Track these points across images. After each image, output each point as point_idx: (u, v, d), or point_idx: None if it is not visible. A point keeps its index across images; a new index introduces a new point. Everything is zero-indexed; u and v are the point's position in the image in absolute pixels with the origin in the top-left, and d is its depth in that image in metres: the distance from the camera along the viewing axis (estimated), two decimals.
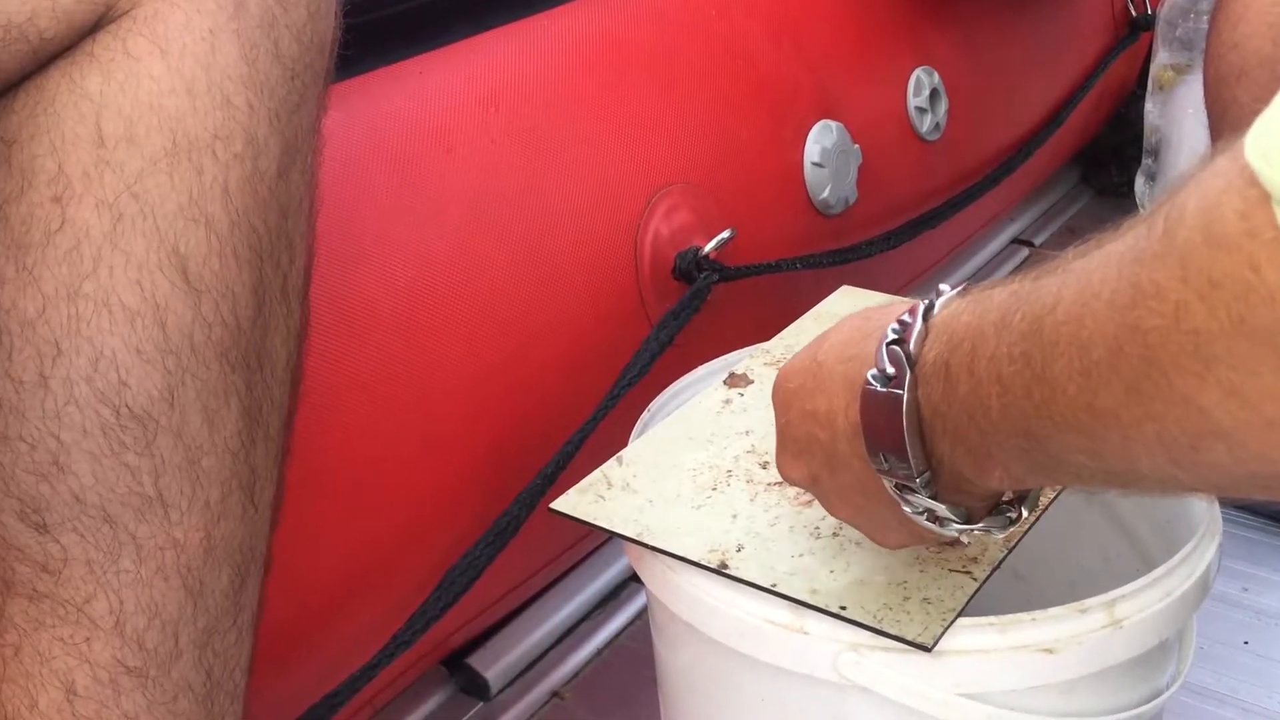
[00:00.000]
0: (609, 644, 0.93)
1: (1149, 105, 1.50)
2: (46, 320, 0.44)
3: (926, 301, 0.45)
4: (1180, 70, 1.47)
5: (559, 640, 0.92)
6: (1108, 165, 1.64)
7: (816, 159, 1.00)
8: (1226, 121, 0.95)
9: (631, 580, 0.96)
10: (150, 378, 0.45)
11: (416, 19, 0.80)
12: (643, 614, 0.92)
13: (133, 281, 0.44)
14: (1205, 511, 0.63)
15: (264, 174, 0.47)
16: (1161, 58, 1.49)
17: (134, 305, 0.44)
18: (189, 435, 0.46)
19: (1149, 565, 0.60)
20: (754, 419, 0.72)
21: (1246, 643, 0.90)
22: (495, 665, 0.88)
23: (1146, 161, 1.53)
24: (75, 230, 0.43)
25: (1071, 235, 1.55)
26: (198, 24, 0.44)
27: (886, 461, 0.44)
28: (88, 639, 0.47)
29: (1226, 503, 1.00)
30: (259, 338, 0.48)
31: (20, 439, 0.44)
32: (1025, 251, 1.51)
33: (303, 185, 0.50)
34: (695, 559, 0.61)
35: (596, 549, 0.95)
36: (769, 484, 0.66)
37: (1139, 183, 1.55)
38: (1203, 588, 0.61)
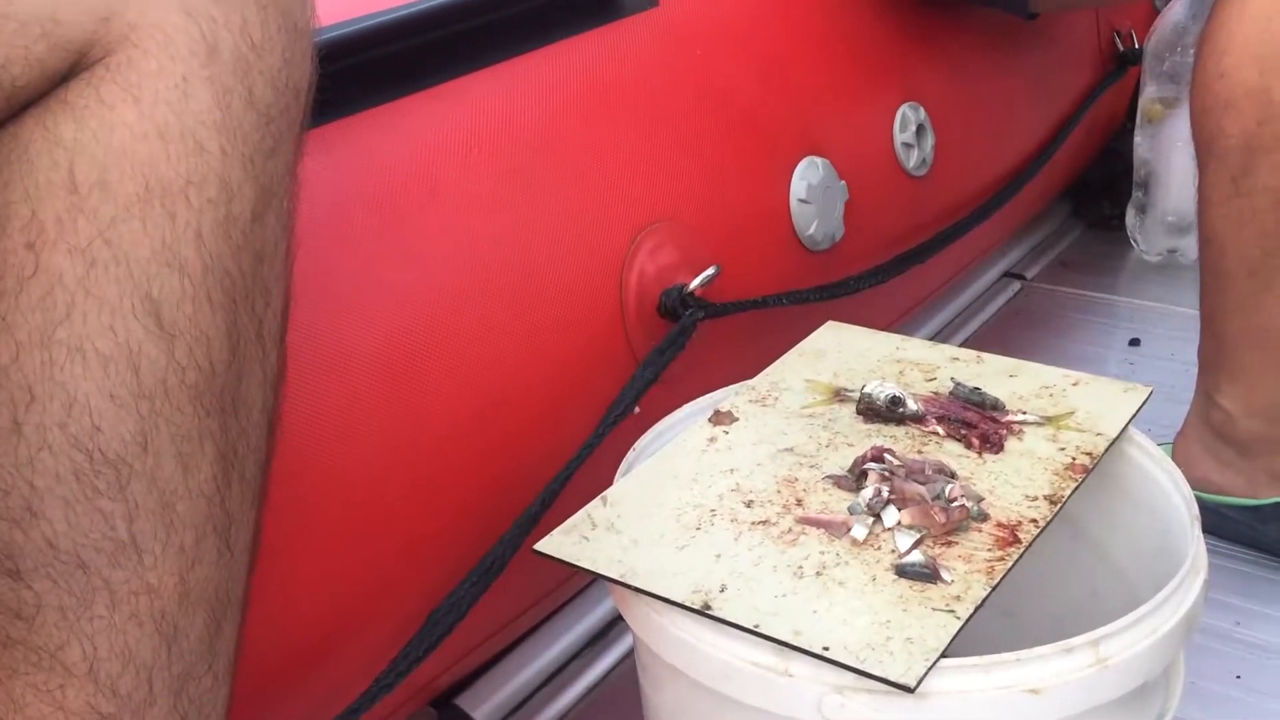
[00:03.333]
0: (597, 684, 0.92)
1: (1138, 139, 1.51)
2: (20, 366, 0.44)
3: None
4: (1168, 104, 1.48)
5: (547, 680, 0.91)
6: (1099, 198, 1.65)
7: (802, 195, 1.00)
8: (1213, 152, 0.95)
9: (619, 619, 0.95)
10: (124, 423, 0.45)
11: (399, 63, 0.80)
12: (631, 653, 0.92)
13: (106, 327, 0.44)
14: (1191, 547, 0.63)
15: (238, 218, 0.47)
16: (1149, 91, 1.50)
17: (107, 351, 0.44)
18: (163, 480, 0.46)
19: (1136, 600, 0.60)
20: (738, 457, 0.72)
21: (1239, 677, 0.90)
22: (484, 706, 0.88)
23: (1136, 194, 1.54)
24: (49, 276, 0.43)
25: (1064, 268, 1.56)
26: (170, 71, 0.44)
27: None
28: (61, 686, 0.47)
29: (1219, 535, 1.00)
30: (234, 382, 0.48)
31: None
32: (1017, 285, 1.52)
33: (278, 229, 0.50)
34: (679, 600, 0.60)
35: (585, 588, 0.94)
36: (753, 523, 0.66)
37: (1130, 215, 1.56)
38: (1189, 624, 0.60)
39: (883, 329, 0.86)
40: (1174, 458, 1.03)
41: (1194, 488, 0.99)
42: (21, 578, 0.45)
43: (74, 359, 0.44)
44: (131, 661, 0.47)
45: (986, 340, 1.40)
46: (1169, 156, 1.48)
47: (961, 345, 1.37)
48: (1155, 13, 1.49)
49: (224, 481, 0.48)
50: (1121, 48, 1.52)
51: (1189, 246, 1.47)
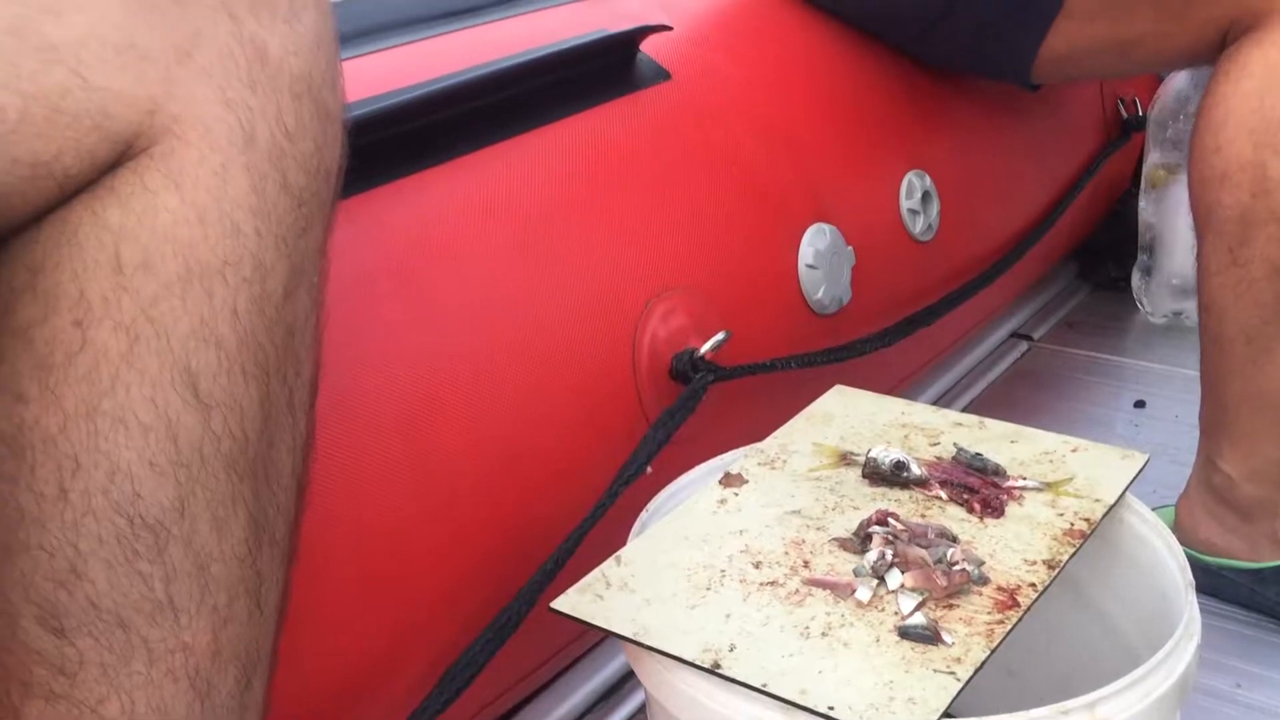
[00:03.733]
0: None
1: (1142, 203, 1.54)
2: (67, 436, 0.46)
3: None
4: (1171, 169, 1.51)
5: None
6: (1105, 261, 1.68)
7: (810, 261, 1.03)
8: (1211, 223, 0.98)
9: (631, 675, 0.97)
10: (162, 489, 0.47)
11: (420, 138, 0.83)
12: (642, 709, 0.93)
13: (147, 399, 0.47)
14: (1185, 611, 0.65)
15: (271, 295, 0.50)
16: (1153, 158, 1.53)
17: (148, 421, 0.47)
18: (198, 543, 0.49)
19: (1135, 662, 0.61)
20: (748, 519, 0.74)
21: None
22: None
23: (1142, 257, 1.56)
24: (95, 351, 0.46)
25: (1070, 329, 1.58)
26: (210, 159, 0.47)
27: None
28: None
29: (1220, 598, 1.01)
30: (265, 449, 0.51)
31: (40, 548, 0.47)
32: (1024, 345, 1.54)
33: (309, 303, 0.52)
34: (689, 658, 0.62)
35: (597, 644, 0.96)
36: (761, 584, 0.68)
37: (1135, 278, 1.58)
38: (1183, 687, 0.62)
39: (890, 390, 0.89)
40: (1177, 520, 1.05)
41: (1196, 550, 1.02)
42: (65, 635, 0.47)
43: (117, 429, 0.46)
44: (167, 716, 0.49)
45: (993, 401, 1.42)
46: (1173, 221, 1.51)
47: (969, 405, 1.39)
48: (1158, 81, 1.52)
49: (255, 544, 0.51)
50: (1125, 114, 1.55)
51: (1193, 309, 1.49)
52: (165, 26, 0.46)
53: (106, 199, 0.46)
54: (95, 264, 0.46)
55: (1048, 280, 1.64)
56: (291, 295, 0.51)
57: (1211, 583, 1.02)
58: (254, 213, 0.48)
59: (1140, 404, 1.38)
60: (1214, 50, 1.00)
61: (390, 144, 0.81)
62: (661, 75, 1.01)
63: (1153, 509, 0.87)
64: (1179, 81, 1.46)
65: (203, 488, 0.48)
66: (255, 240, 0.48)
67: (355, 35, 0.97)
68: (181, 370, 0.47)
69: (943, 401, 1.39)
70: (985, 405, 1.40)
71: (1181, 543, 1.02)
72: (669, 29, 1.03)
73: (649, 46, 1.02)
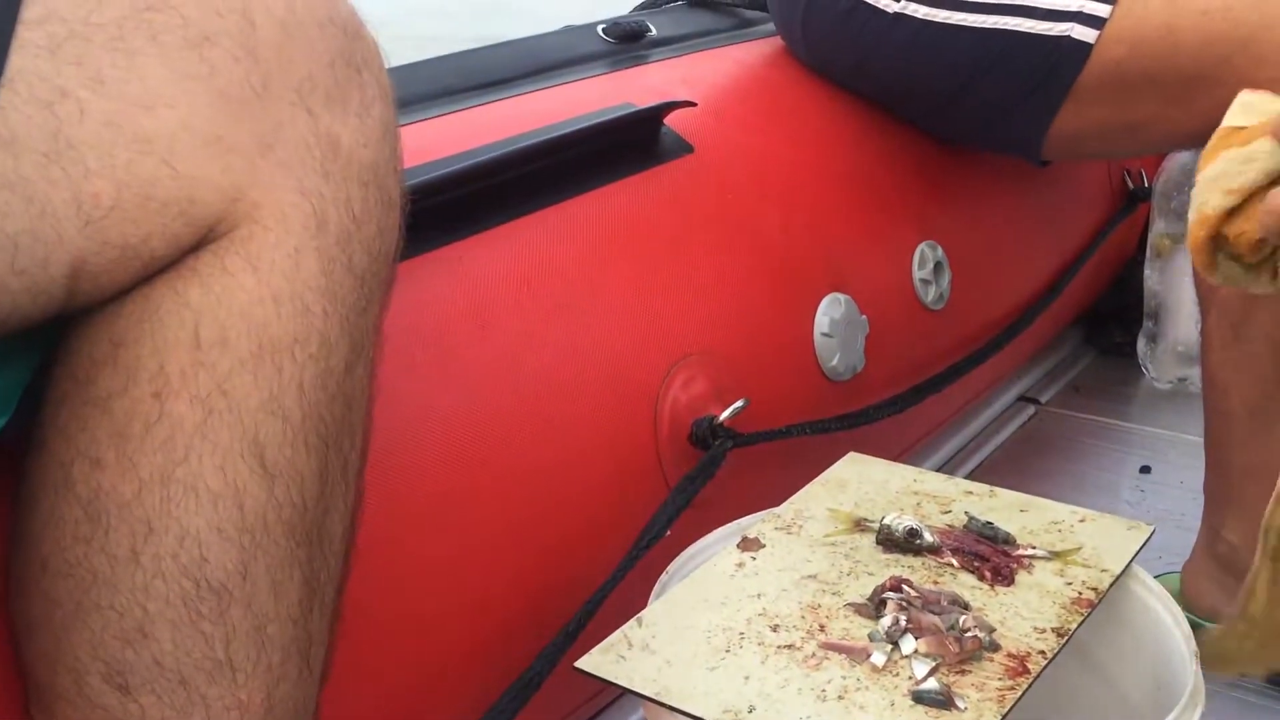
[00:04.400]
0: None
1: (1148, 271, 1.57)
2: (141, 502, 0.49)
3: None
4: (1177, 239, 1.55)
5: None
6: (1110, 327, 1.71)
7: (826, 330, 1.06)
8: (1214, 301, 1.01)
9: None
10: (228, 554, 0.50)
11: (455, 209, 0.87)
12: None
13: (218, 468, 0.50)
14: (1190, 680, 0.67)
15: (334, 371, 0.53)
16: (1159, 227, 1.56)
17: (217, 489, 0.50)
18: (258, 605, 0.51)
19: None
20: (765, 582, 0.77)
21: None
22: None
23: (1147, 324, 1.59)
24: (171, 422, 0.49)
25: (1076, 394, 1.61)
26: (285, 243, 0.51)
27: None
28: None
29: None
30: (321, 516, 0.54)
31: (111, 608, 0.49)
32: (1031, 409, 1.57)
33: (365, 378, 0.56)
34: (710, 719, 0.65)
35: (613, 702, 0.98)
36: (779, 646, 0.70)
37: (1141, 344, 1.61)
38: None
39: (902, 453, 0.92)
40: (1182, 586, 1.08)
41: (1201, 616, 1.04)
42: (130, 693, 0.50)
43: (189, 496, 0.49)
44: None
45: (1001, 464, 1.44)
46: (1178, 289, 1.54)
47: (977, 467, 1.42)
48: (1164, 154, 1.56)
49: (308, 606, 0.54)
50: (1131, 185, 1.59)
51: (1198, 376, 1.52)
52: (249, 121, 0.50)
53: (189, 279, 0.50)
54: (175, 340, 0.49)
55: (1054, 345, 1.67)
56: (351, 370, 0.54)
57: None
58: (322, 293, 0.52)
59: (1146, 469, 1.40)
60: None
61: (427, 215, 0.85)
62: (684, 149, 1.05)
63: (1158, 575, 0.90)
64: (1184, 154, 1.50)
65: (264, 553, 0.51)
66: (322, 319, 0.52)
67: None
68: (250, 442, 0.50)
69: (951, 463, 1.42)
70: (993, 468, 1.43)
71: (1186, 609, 1.05)
72: (693, 104, 1.07)
73: (673, 121, 1.06)
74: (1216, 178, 0.68)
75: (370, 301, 0.55)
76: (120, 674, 0.50)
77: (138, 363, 0.49)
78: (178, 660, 0.50)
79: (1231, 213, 0.67)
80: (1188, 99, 1.05)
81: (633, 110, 1.02)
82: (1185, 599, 1.07)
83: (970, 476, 1.36)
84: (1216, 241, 0.69)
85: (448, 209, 0.87)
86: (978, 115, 1.17)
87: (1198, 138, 1.09)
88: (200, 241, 0.50)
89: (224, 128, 0.49)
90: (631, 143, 1.02)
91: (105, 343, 0.50)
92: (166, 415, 0.49)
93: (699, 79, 1.17)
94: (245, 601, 0.51)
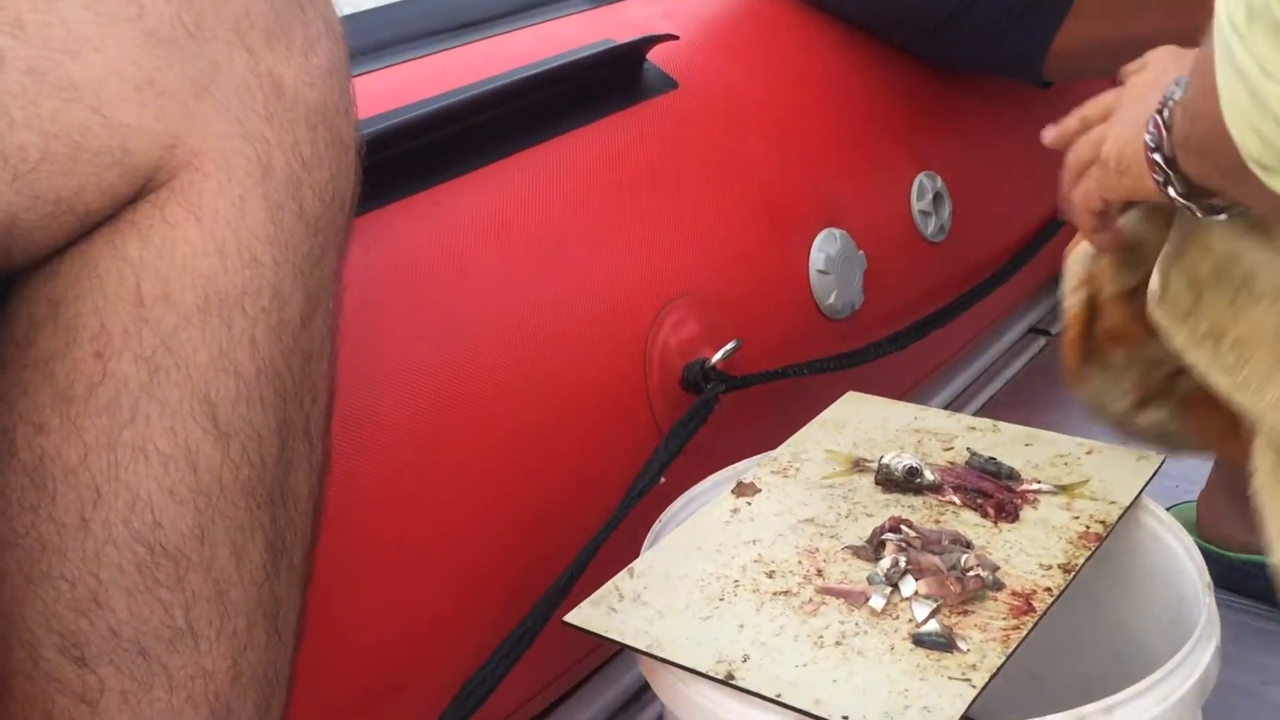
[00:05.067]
0: None
1: None
2: (88, 467, 0.47)
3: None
4: None
5: None
6: None
7: (821, 266, 1.03)
8: None
9: (647, 688, 0.97)
10: (182, 518, 0.48)
11: (430, 153, 0.84)
12: None
13: (167, 429, 0.48)
14: (1202, 614, 0.65)
15: (288, 324, 0.50)
16: None
17: (168, 451, 0.48)
18: (218, 570, 0.49)
19: (1153, 665, 0.62)
20: (761, 528, 0.74)
21: None
22: None
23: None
24: (115, 383, 0.47)
25: None
26: (228, 191, 0.48)
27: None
28: None
29: (1244, 593, 1.01)
30: (283, 475, 0.51)
31: (61, 578, 0.47)
32: (1042, 340, 1.54)
33: (324, 330, 0.53)
34: (703, 670, 0.63)
35: (613, 656, 0.96)
36: (774, 593, 0.68)
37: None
38: (1202, 689, 0.62)
39: (905, 392, 0.89)
40: (1198, 515, 1.05)
41: (1218, 545, 1.01)
42: (87, 664, 0.48)
43: (138, 459, 0.47)
44: None
45: (1011, 397, 1.41)
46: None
47: (986, 403, 1.39)
48: None
49: (273, 569, 0.52)
50: None
51: None
52: (183, 62, 0.47)
53: (127, 232, 0.47)
54: (116, 296, 0.47)
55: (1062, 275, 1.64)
56: (308, 322, 0.51)
57: (1234, 579, 1.01)
58: (271, 242, 0.49)
59: None
60: None
61: (401, 160, 0.82)
62: (669, 84, 1.02)
63: (1174, 505, 0.87)
64: None
65: (222, 515, 0.49)
66: (273, 270, 0.49)
67: (363, 51, 0.98)
68: (201, 400, 0.48)
69: (960, 400, 1.39)
70: (1002, 402, 1.40)
71: (1203, 538, 1.02)
72: (675, 38, 1.04)
73: (656, 56, 1.02)
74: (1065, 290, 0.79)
75: (326, 250, 0.52)
76: (76, 645, 0.48)
77: (78, 322, 0.47)
78: (135, 629, 0.48)
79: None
80: (1191, 11, 1.01)
81: (612, 45, 0.98)
82: (1201, 528, 1.04)
83: (979, 412, 1.33)
84: (1087, 347, 0.78)
85: (422, 154, 0.84)
86: (976, 35, 1.13)
87: None
88: (138, 193, 0.47)
89: (155, 71, 0.47)
90: (613, 80, 0.99)
91: (43, 303, 0.48)
92: (110, 375, 0.47)
93: (681, 12, 1.13)
94: (204, 566, 0.49)
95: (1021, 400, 1.40)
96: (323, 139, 0.51)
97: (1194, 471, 1.06)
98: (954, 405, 1.37)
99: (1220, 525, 1.03)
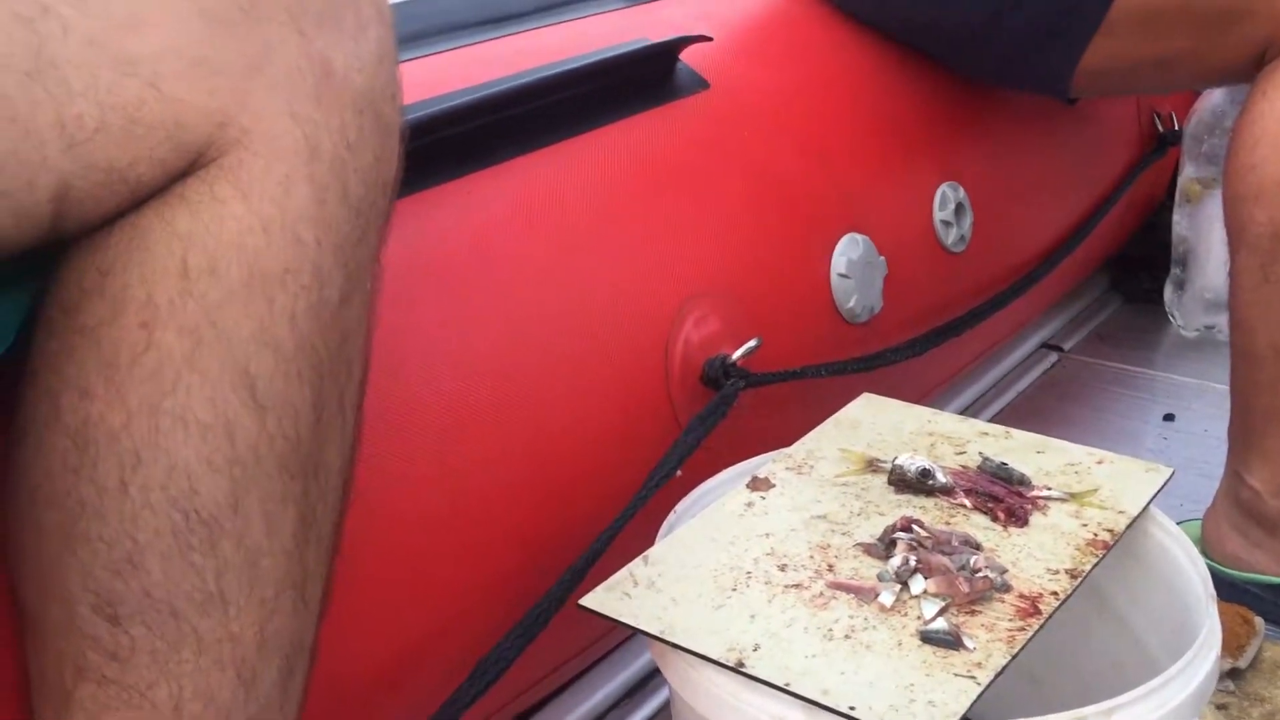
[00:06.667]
0: None
1: (1177, 216, 1.54)
2: (129, 433, 0.48)
3: None
4: (1207, 184, 1.52)
5: None
6: (1137, 273, 1.68)
7: (843, 270, 1.04)
8: (1244, 240, 0.99)
9: (657, 673, 0.98)
10: (218, 486, 0.50)
11: (463, 143, 0.86)
12: (666, 707, 0.95)
13: (207, 399, 0.49)
14: (1206, 622, 0.66)
15: (328, 302, 0.52)
16: (1188, 171, 1.53)
17: (207, 420, 0.49)
18: (250, 538, 0.51)
19: (1155, 672, 0.63)
20: (774, 522, 0.76)
21: None
22: None
23: (1175, 271, 1.56)
24: (159, 353, 0.48)
25: (1100, 341, 1.59)
26: (276, 170, 0.49)
27: None
28: None
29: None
30: (316, 449, 0.53)
31: (100, 539, 0.49)
32: (1054, 356, 1.55)
33: (362, 310, 0.55)
34: (714, 657, 0.64)
35: (622, 642, 0.98)
36: (786, 586, 0.69)
37: (1168, 291, 1.58)
38: (1201, 697, 0.63)
39: (920, 399, 0.90)
40: (1203, 533, 1.06)
41: (1222, 564, 1.02)
42: (120, 623, 0.50)
43: (177, 427, 0.49)
44: (213, 703, 0.52)
45: (1022, 411, 1.42)
46: (1207, 235, 1.51)
47: (997, 415, 1.40)
48: (1195, 95, 1.52)
49: (303, 540, 0.53)
50: (1161, 129, 1.56)
51: (1225, 323, 1.49)
52: (238, 42, 0.48)
53: (177, 206, 0.48)
54: (163, 269, 0.48)
55: (1079, 291, 1.65)
56: (347, 302, 0.53)
57: (1236, 598, 1.02)
58: (315, 223, 0.50)
59: (1170, 417, 1.38)
60: (1252, 68, 1.01)
61: (434, 149, 0.83)
62: (700, 85, 1.03)
63: (1180, 522, 0.88)
64: (1215, 97, 1.46)
65: (256, 485, 0.50)
66: (315, 249, 0.51)
67: (403, 39, 0.99)
68: (241, 373, 0.49)
69: (971, 410, 1.40)
70: (1014, 415, 1.41)
71: (1207, 557, 1.03)
72: (709, 39, 1.05)
73: (688, 56, 1.03)
74: None
75: (367, 232, 0.54)
76: (110, 605, 0.49)
77: (125, 292, 0.49)
78: (168, 592, 0.49)
79: None
80: (1222, 32, 1.02)
81: (647, 44, 1.00)
82: (1206, 546, 1.05)
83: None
84: None
85: (455, 143, 0.85)
86: (1006, 50, 1.14)
87: (1231, 73, 1.07)
88: (189, 168, 0.49)
89: (211, 49, 0.48)
90: (645, 78, 1.00)
91: (93, 271, 0.49)
92: (154, 345, 0.48)
93: (716, 14, 1.14)
94: (237, 534, 0.50)
95: (1031, 414, 1.41)
96: (369, 123, 0.53)
97: (1199, 490, 1.08)
98: (966, 414, 1.37)
99: (1224, 544, 1.04)
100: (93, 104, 0.46)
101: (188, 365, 0.48)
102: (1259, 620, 0.99)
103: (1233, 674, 0.95)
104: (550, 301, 0.85)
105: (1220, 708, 0.93)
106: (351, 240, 0.52)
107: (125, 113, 0.46)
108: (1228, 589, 1.00)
